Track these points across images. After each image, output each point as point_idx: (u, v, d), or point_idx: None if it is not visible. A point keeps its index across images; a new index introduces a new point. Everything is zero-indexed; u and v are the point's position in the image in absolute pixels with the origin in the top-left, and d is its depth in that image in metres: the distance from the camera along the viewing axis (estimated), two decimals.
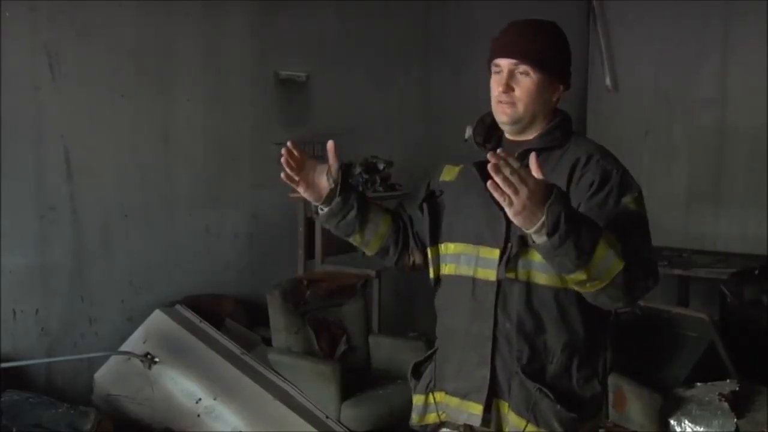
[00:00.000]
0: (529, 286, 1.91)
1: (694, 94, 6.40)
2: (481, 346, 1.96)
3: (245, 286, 4.65)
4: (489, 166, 1.59)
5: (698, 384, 3.75)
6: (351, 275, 4.28)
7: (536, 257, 1.84)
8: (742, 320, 4.36)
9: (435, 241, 2.08)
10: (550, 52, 1.97)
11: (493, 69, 1.99)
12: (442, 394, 2.06)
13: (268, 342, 4.08)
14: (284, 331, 3.87)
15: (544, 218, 1.61)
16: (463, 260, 2.00)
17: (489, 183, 1.59)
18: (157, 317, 4.01)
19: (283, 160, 1.98)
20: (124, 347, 3.95)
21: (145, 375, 3.79)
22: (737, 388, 3.63)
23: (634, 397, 3.66)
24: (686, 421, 3.60)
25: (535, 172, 1.65)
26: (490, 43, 2.03)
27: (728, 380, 3.74)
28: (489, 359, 1.94)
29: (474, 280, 1.97)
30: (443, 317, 2.10)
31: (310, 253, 4.72)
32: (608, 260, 1.70)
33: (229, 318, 4.35)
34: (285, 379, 3.77)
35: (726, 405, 3.55)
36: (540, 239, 1.65)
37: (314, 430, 3.52)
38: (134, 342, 3.95)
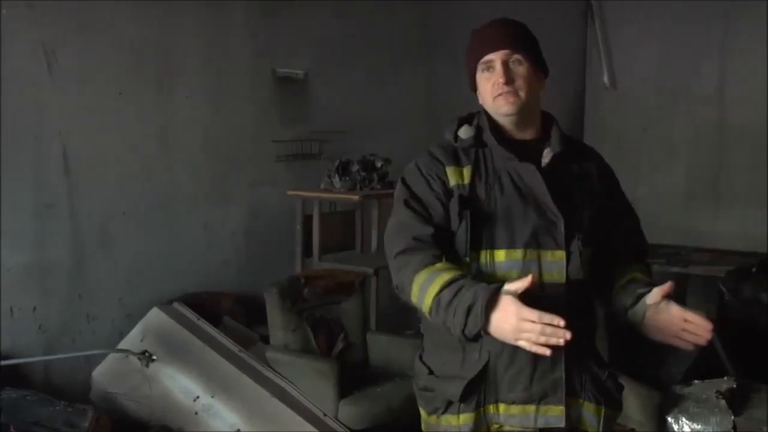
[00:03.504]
0: (583, 282, 1.97)
1: (694, 92, 6.39)
2: (553, 349, 1.88)
3: (243, 284, 4.65)
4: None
5: (696, 381, 3.75)
6: (349, 273, 4.27)
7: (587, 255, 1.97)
8: (739, 318, 4.36)
9: (474, 249, 1.94)
10: (533, 43, 2.03)
11: (482, 67, 2.00)
12: (503, 405, 1.98)
13: (266, 340, 4.07)
14: (282, 328, 3.86)
15: None
16: (524, 266, 1.91)
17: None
18: (155, 315, 4.01)
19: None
20: (121, 345, 3.95)
21: (143, 373, 3.79)
22: (735, 386, 3.63)
23: (632, 394, 3.65)
24: (684, 419, 3.60)
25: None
26: (472, 44, 2.04)
27: (726, 378, 3.74)
28: (562, 360, 1.96)
29: (541, 285, 1.91)
30: None
31: (308, 251, 4.72)
32: None
33: (227, 316, 4.35)
34: (283, 376, 3.77)
35: (723, 402, 3.54)
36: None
37: (312, 427, 3.52)
38: (132, 340, 3.95)
